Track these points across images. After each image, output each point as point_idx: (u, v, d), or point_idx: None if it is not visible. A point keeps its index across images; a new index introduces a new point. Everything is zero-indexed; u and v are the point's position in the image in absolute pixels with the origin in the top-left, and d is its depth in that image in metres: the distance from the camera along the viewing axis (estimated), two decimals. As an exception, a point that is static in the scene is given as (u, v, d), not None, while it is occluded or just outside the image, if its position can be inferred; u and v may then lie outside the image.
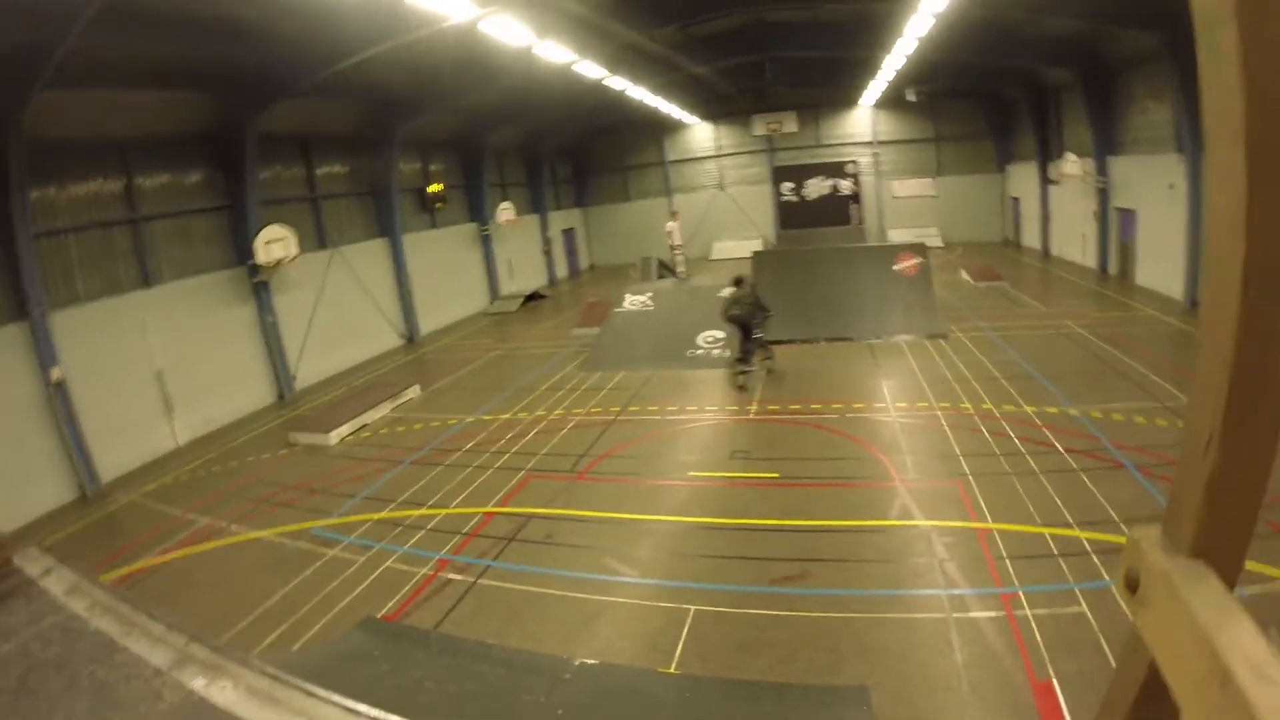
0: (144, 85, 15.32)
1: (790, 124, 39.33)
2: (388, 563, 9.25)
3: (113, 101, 15.10)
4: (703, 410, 14.41)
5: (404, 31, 15.20)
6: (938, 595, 7.69)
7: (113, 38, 12.80)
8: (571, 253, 40.51)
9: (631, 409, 14.73)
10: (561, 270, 38.64)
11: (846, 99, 38.23)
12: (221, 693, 1.27)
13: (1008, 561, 8.06)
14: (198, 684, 1.29)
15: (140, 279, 16.17)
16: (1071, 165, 26.83)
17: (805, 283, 20.14)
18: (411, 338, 24.76)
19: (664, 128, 40.06)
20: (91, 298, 15.02)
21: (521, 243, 34.13)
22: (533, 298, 30.44)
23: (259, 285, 18.44)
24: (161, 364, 15.89)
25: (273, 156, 20.09)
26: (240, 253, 18.29)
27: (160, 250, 16.72)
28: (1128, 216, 24.44)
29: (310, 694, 1.25)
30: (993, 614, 7.21)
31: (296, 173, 21.46)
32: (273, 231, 18.39)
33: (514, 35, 16.67)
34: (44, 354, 13.35)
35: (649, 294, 20.29)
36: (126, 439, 14.89)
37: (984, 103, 37.18)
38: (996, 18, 21.15)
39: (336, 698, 1.24)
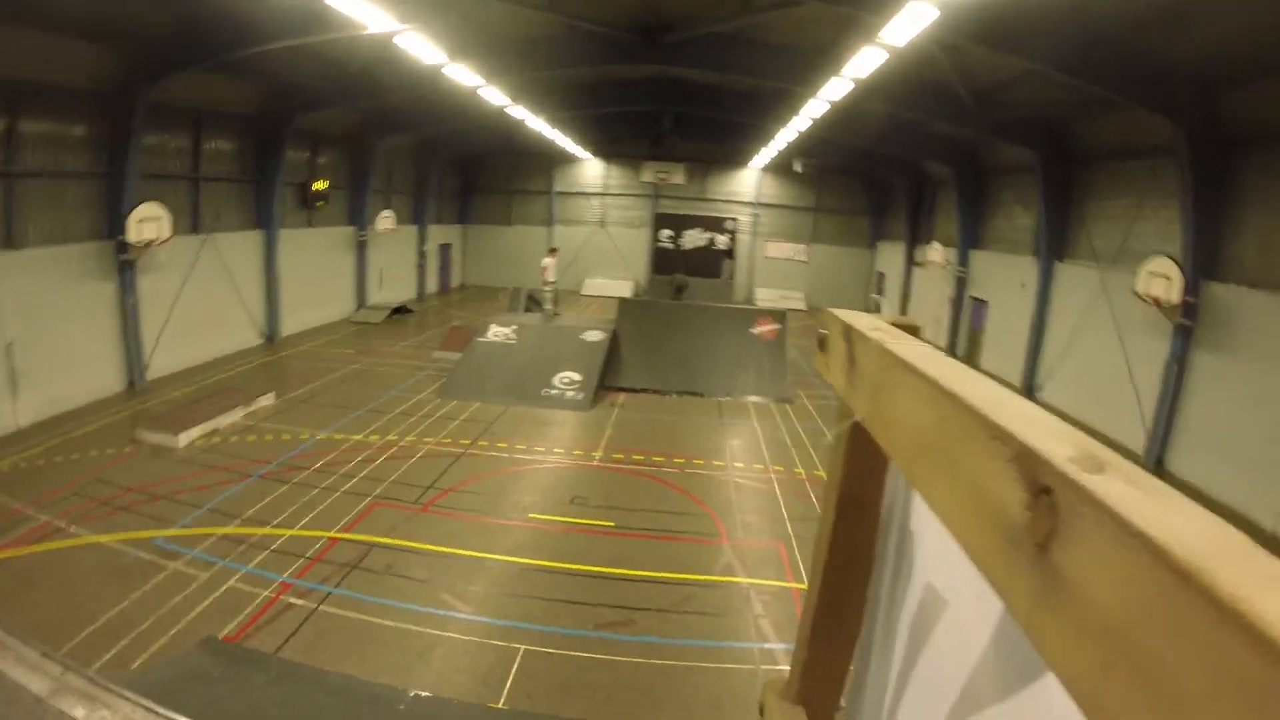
0: (40, 26, 14.57)
1: (678, 176, 40.80)
2: (231, 581, 9.53)
3: (5, 39, 14.21)
4: (550, 452, 15.16)
5: (323, 29, 15.40)
6: (750, 649, 8.75)
7: None
8: (445, 268, 40.45)
9: (481, 443, 15.34)
10: (432, 285, 38.56)
11: (737, 159, 40.12)
12: (103, 722, 1.61)
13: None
14: (79, 713, 1.59)
15: (3, 238, 15.38)
16: (935, 252, 29.45)
17: (665, 335, 21.18)
18: (272, 338, 24.38)
19: (556, 158, 40.75)
20: (-55, 251, 14.21)
21: (396, 252, 33.94)
22: (399, 311, 30.44)
23: (125, 264, 17.79)
24: (12, 335, 15.12)
25: (161, 127, 19.46)
26: (111, 226, 17.52)
27: (30, 211, 15.88)
28: (980, 306, 27.01)
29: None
30: (779, 669, 8.28)
31: (183, 148, 20.85)
32: (148, 210, 17.89)
33: (427, 54, 17.15)
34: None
35: (513, 327, 20.77)
36: (-38, 415, 14.28)
37: (865, 182, 39.94)
38: (890, 111, 23.08)
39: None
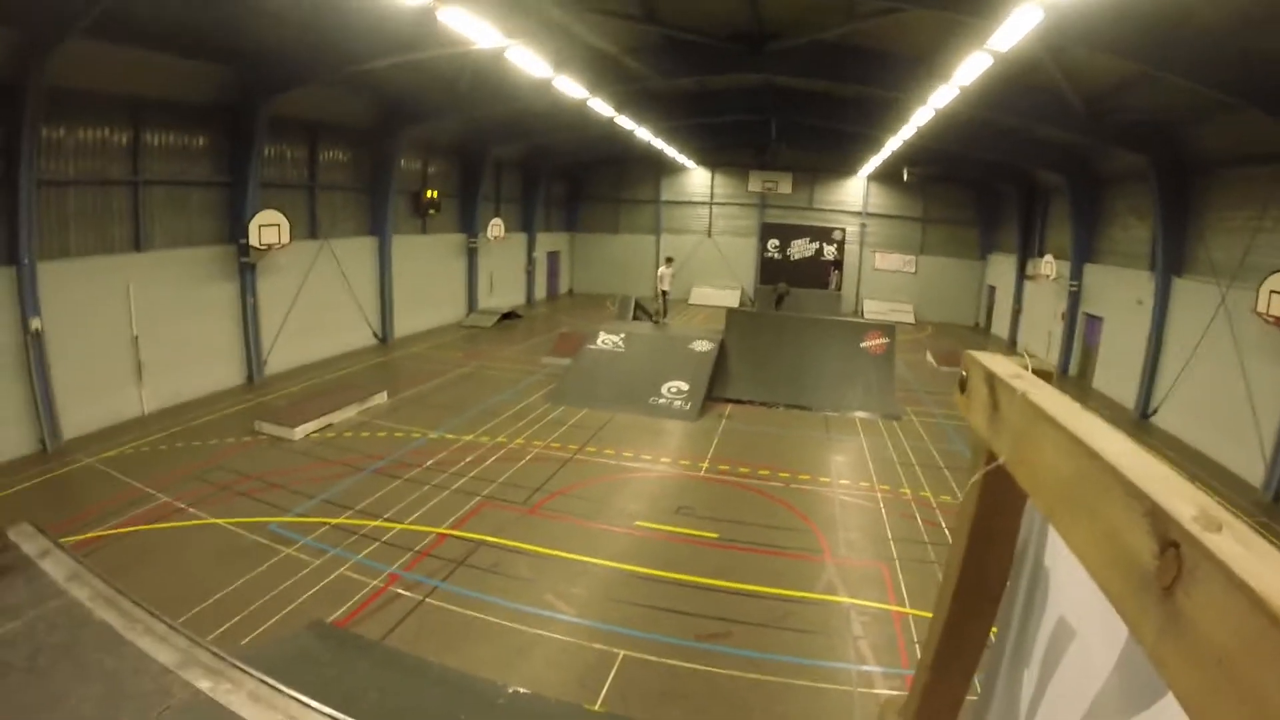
0: (170, 49, 15.56)
1: (785, 185, 40.41)
2: (341, 569, 9.67)
3: (136, 60, 15.25)
4: (657, 460, 14.95)
5: (432, 46, 15.83)
6: (847, 669, 8.33)
7: None
8: (553, 275, 41.01)
9: (589, 449, 15.25)
10: (540, 291, 39.12)
11: (844, 168, 39.37)
12: (226, 695, 1.44)
13: (918, 646, 8.63)
14: (204, 685, 1.41)
15: (132, 241, 16.35)
16: (1048, 265, 28.27)
17: (773, 347, 20.77)
18: (385, 339, 25.08)
19: (663, 167, 40.88)
20: (82, 253, 15.20)
21: (506, 258, 34.61)
22: (508, 316, 30.87)
23: (245, 266, 18.72)
24: (139, 329, 16.10)
25: (279, 138, 20.43)
26: (233, 230, 18.54)
27: (156, 216, 16.90)
28: (1094, 323, 25.64)
29: (305, 704, 1.57)
30: (896, 693, 7.81)
31: (299, 158, 21.79)
32: (268, 216, 18.77)
33: (533, 66, 17.39)
34: (27, 302, 13.49)
35: (622, 334, 20.72)
36: (94, 399, 15.10)
37: (975, 191, 38.57)
38: (998, 118, 22.29)
39: (328, 710, 1.54)
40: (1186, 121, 18.30)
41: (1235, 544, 0.70)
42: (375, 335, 24.92)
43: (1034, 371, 1.52)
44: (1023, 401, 1.33)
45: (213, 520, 10.95)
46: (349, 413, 16.45)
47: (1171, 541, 0.76)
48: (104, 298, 15.52)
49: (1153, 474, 0.88)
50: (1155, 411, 20.73)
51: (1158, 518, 0.79)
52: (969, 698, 1.75)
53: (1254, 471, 15.74)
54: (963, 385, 1.65)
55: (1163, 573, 0.76)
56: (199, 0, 14.14)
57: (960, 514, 1.66)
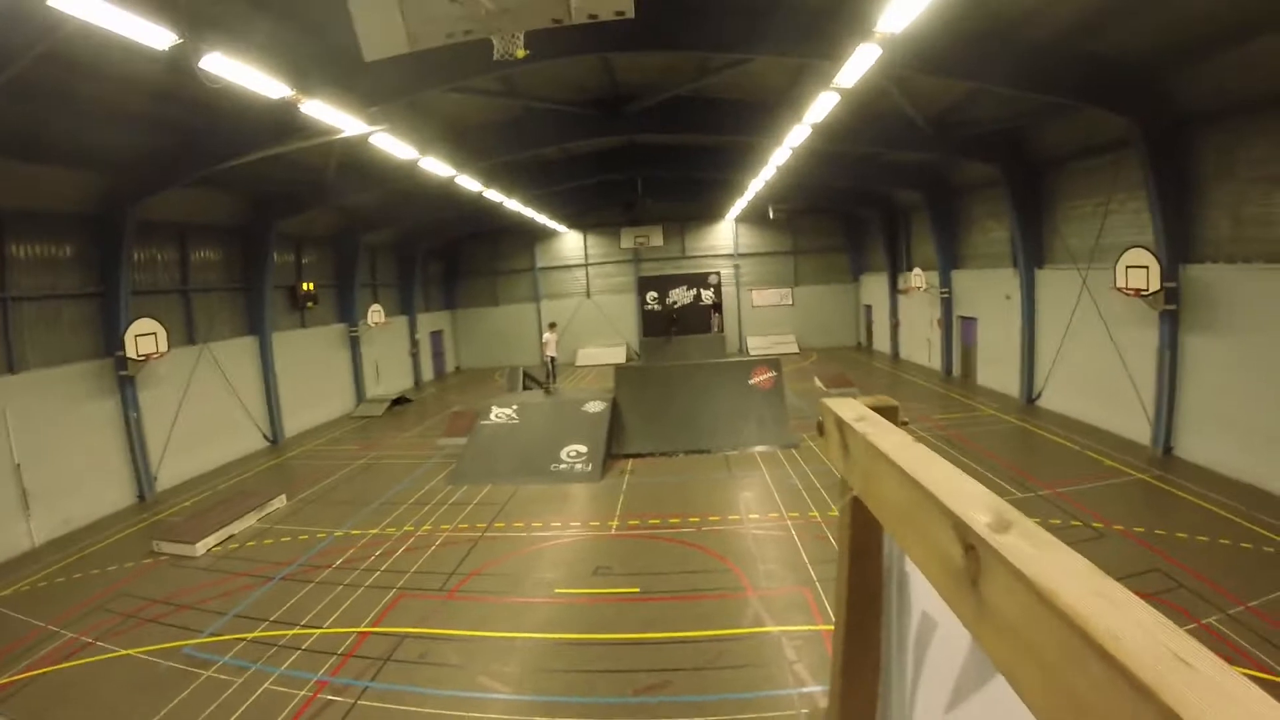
0: (29, 158, 15.23)
1: (657, 238, 41.72)
2: (266, 684, 9.44)
3: None
4: (567, 526, 15.10)
5: (297, 138, 15.93)
6: (789, 695, 8.67)
7: (15, 106, 12.90)
8: (438, 354, 40.87)
9: (498, 525, 15.31)
10: (428, 372, 38.91)
11: (711, 214, 41.05)
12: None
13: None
14: None
15: (4, 363, 15.70)
16: (917, 278, 30.08)
17: (664, 397, 21.24)
18: (275, 440, 24.47)
19: (535, 235, 41.61)
20: (-49, 378, 14.46)
21: (389, 344, 34.33)
22: (398, 401, 30.62)
23: (124, 379, 18.15)
24: (20, 456, 15.39)
25: (149, 242, 20.05)
26: (109, 344, 18.01)
27: (27, 334, 16.29)
28: (969, 324, 27.39)
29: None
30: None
31: (171, 261, 21.36)
32: (143, 325, 18.32)
33: (399, 150, 17.78)
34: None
35: (515, 406, 20.83)
36: (-22, 537, 14.34)
37: (840, 219, 40.96)
38: (853, 148, 23.80)
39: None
40: (1028, 125, 20.07)
41: (1019, 540, 0.90)
42: (266, 437, 24.29)
43: (878, 409, 1.78)
44: (865, 442, 1.52)
45: (124, 651, 10.51)
46: (249, 521, 16.01)
47: (970, 545, 0.96)
48: (-21, 425, 14.78)
49: (961, 492, 1.10)
50: (1040, 395, 22.29)
51: (960, 528, 1.00)
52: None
53: (1142, 431, 17.21)
54: (820, 429, 1.89)
55: (969, 569, 0.96)
56: (61, 110, 13.90)
57: (838, 539, 1.88)
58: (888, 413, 1.77)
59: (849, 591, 1.86)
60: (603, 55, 16.82)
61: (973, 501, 1.06)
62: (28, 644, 11.02)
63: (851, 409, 1.78)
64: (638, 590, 11.85)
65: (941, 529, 1.06)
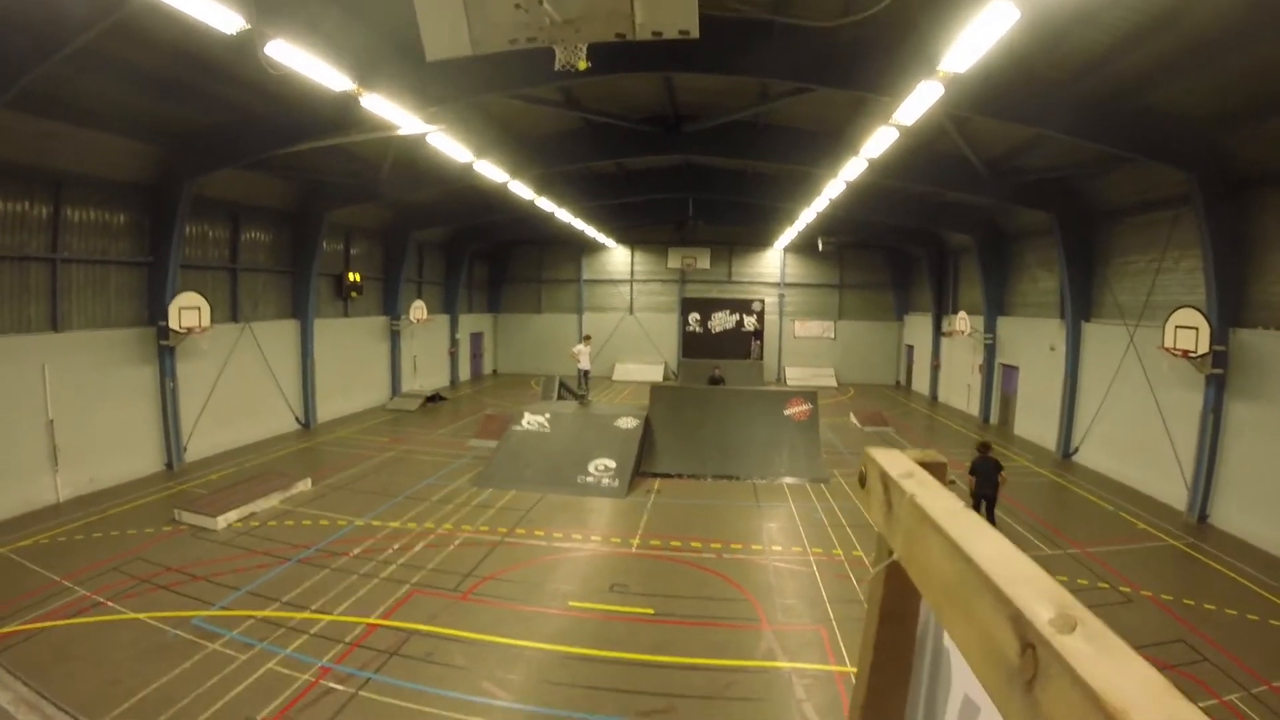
0: (96, 126, 15.53)
1: (704, 260, 41.64)
2: (269, 664, 9.44)
3: (59, 134, 15.17)
4: (588, 539, 14.97)
5: (355, 131, 16.11)
6: (794, 734, 8.41)
7: (82, 74, 13.17)
8: (477, 356, 41.06)
9: (519, 531, 15.22)
10: (465, 373, 39.09)
11: (760, 240, 40.87)
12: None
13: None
14: None
15: (49, 321, 16.03)
16: (961, 321, 29.64)
17: (698, 419, 21.08)
18: (307, 424, 24.71)
19: (583, 246, 41.73)
20: (-4, 330, 14.83)
21: (429, 341, 34.57)
22: (433, 399, 30.75)
23: (165, 349, 18.43)
24: (55, 413, 15.67)
25: (201, 218, 20.34)
26: (153, 313, 18.32)
27: (74, 295, 16.64)
28: (1011, 372, 26.97)
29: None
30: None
31: (221, 239, 21.69)
32: (188, 299, 18.60)
33: (455, 152, 17.88)
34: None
35: (548, 415, 20.80)
36: (6, 486, 14.64)
37: (889, 256, 40.60)
38: (907, 186, 23.55)
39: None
40: (1085, 175, 19.74)
41: (1084, 643, 0.80)
42: (298, 420, 24.52)
43: (926, 464, 1.60)
44: (911, 503, 1.39)
45: (134, 615, 10.60)
46: (273, 500, 16.12)
47: (1029, 643, 0.86)
48: (18, 378, 15.11)
49: (1019, 576, 0.98)
50: (1076, 450, 21.78)
51: (1019, 621, 0.89)
52: None
53: (1178, 496, 16.73)
54: (862, 480, 1.74)
55: (1024, 670, 0.85)
56: (129, 82, 14.17)
57: (869, 598, 1.75)
58: (934, 469, 1.61)
59: (875, 654, 1.73)
60: (664, 74, 16.79)
61: (1033, 590, 0.95)
62: (38, 596, 11.16)
63: (898, 463, 1.63)
64: (652, 611, 11.70)
65: (995, 618, 0.96)
